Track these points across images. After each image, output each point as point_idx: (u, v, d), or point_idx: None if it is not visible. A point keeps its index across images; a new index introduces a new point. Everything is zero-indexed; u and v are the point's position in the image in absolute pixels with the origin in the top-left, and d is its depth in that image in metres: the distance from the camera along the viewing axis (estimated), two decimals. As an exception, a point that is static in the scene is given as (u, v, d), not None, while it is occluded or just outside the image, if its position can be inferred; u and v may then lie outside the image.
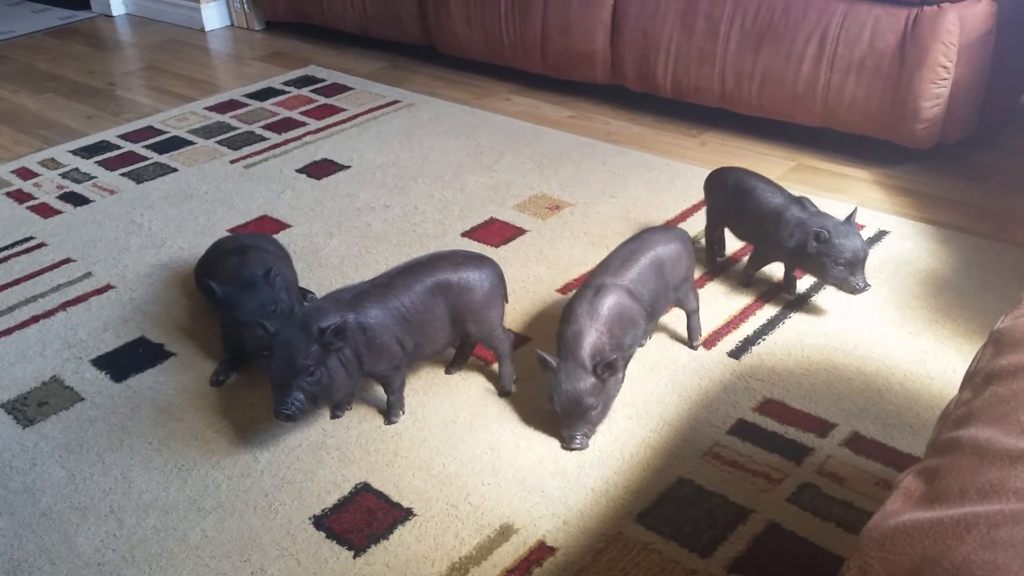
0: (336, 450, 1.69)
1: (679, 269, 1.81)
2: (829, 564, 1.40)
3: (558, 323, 1.68)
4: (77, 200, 2.67)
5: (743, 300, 2.05)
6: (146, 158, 2.92)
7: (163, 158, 2.91)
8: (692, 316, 1.89)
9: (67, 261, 2.35)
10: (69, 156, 2.96)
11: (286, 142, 2.97)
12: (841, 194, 2.47)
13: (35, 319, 2.12)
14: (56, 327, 2.09)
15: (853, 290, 1.89)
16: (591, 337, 1.61)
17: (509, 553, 1.45)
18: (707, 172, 2.21)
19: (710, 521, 1.48)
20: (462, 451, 1.66)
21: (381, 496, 1.58)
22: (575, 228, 2.37)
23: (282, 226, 2.46)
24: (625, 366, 1.74)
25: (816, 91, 2.58)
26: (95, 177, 2.80)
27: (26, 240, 2.47)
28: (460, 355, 1.87)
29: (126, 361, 1.96)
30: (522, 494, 1.56)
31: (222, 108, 3.28)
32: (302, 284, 2.13)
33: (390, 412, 1.75)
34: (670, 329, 1.95)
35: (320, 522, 1.53)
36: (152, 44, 4.10)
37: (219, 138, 3.03)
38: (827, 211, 1.98)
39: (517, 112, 3.11)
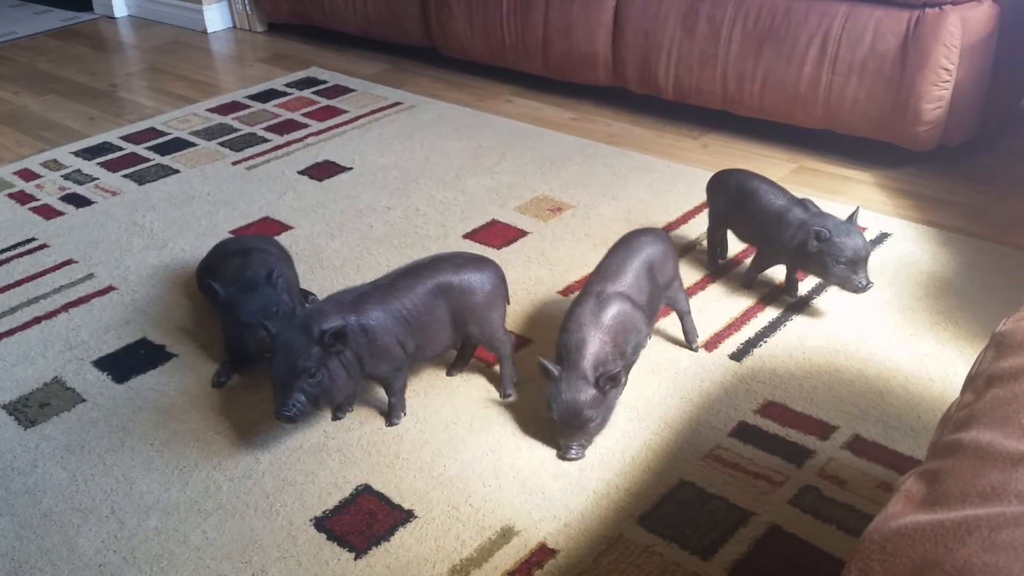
0: (337, 452, 1.69)
1: (668, 269, 1.80)
2: (830, 567, 1.39)
3: (558, 331, 1.67)
4: (79, 201, 2.67)
5: (744, 302, 2.05)
6: (148, 160, 2.92)
7: (165, 160, 2.91)
8: (685, 318, 1.88)
9: (69, 262, 2.35)
10: (71, 157, 2.97)
11: (288, 144, 2.98)
12: (842, 196, 2.47)
13: (37, 320, 2.12)
14: (58, 328, 2.09)
15: (856, 288, 1.88)
16: (594, 347, 1.60)
17: (510, 555, 1.45)
18: (709, 174, 2.21)
19: (711, 523, 1.48)
20: (463, 453, 1.66)
21: (382, 498, 1.58)
22: (576, 230, 2.37)
23: (284, 228, 2.46)
24: (628, 371, 1.74)
25: (818, 93, 2.58)
26: (97, 178, 2.81)
27: (28, 241, 2.47)
28: (461, 357, 1.87)
29: (128, 362, 1.96)
30: (523, 496, 1.56)
31: (224, 110, 3.28)
32: (303, 286, 2.14)
33: (391, 414, 1.75)
34: (670, 331, 1.95)
35: (321, 524, 1.53)
36: (154, 46, 4.11)
37: (221, 140, 3.03)
38: (829, 213, 1.97)
39: (519, 114, 3.11)
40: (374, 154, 2.86)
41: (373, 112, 3.18)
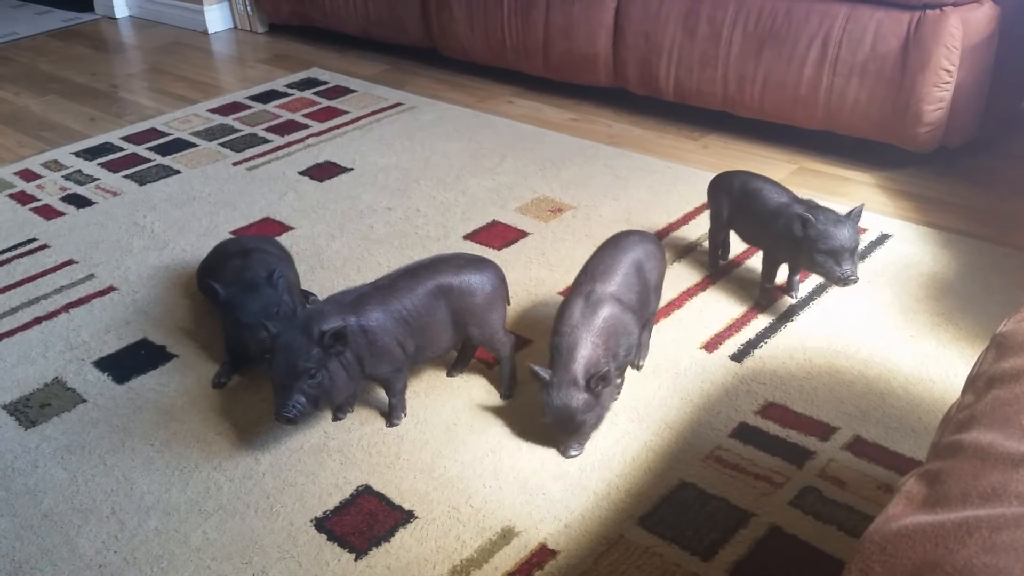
0: (338, 452, 1.69)
1: (656, 270, 1.80)
2: (831, 568, 1.39)
3: (550, 333, 1.66)
4: (80, 202, 2.67)
5: (745, 304, 2.05)
6: (149, 160, 2.92)
7: (166, 160, 2.91)
8: (642, 330, 1.81)
9: (70, 263, 2.36)
10: (72, 158, 2.97)
11: (288, 144, 2.98)
12: (843, 197, 2.47)
13: (37, 321, 2.12)
14: (58, 329, 2.09)
15: (838, 280, 1.84)
16: (586, 350, 1.59)
17: (510, 556, 1.45)
18: (710, 175, 2.21)
19: (711, 524, 1.48)
20: (463, 454, 1.67)
21: (382, 498, 1.58)
22: (577, 231, 2.37)
23: (284, 228, 2.46)
24: (622, 372, 1.74)
25: (818, 94, 2.58)
26: (98, 179, 2.81)
27: (29, 242, 2.47)
28: (462, 358, 1.87)
29: (128, 363, 1.96)
30: (523, 497, 1.56)
31: (225, 110, 3.28)
32: (304, 286, 2.14)
33: (392, 415, 1.75)
34: (670, 332, 1.95)
35: (321, 524, 1.53)
36: (155, 46, 4.11)
37: (222, 140, 3.04)
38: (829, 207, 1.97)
39: (519, 115, 3.12)
40: (375, 155, 2.86)
41: (374, 113, 3.18)
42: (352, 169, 2.78)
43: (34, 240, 2.48)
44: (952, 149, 2.56)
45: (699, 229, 2.33)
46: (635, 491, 1.56)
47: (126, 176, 2.82)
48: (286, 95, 3.38)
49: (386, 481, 1.61)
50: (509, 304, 1.81)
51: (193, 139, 3.06)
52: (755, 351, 1.89)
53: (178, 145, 3.02)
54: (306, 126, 3.10)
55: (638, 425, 1.71)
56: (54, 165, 2.92)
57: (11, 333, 2.08)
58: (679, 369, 1.85)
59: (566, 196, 2.55)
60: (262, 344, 1.73)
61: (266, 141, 3.01)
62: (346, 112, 3.20)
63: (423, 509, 1.55)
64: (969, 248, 2.21)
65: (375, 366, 1.67)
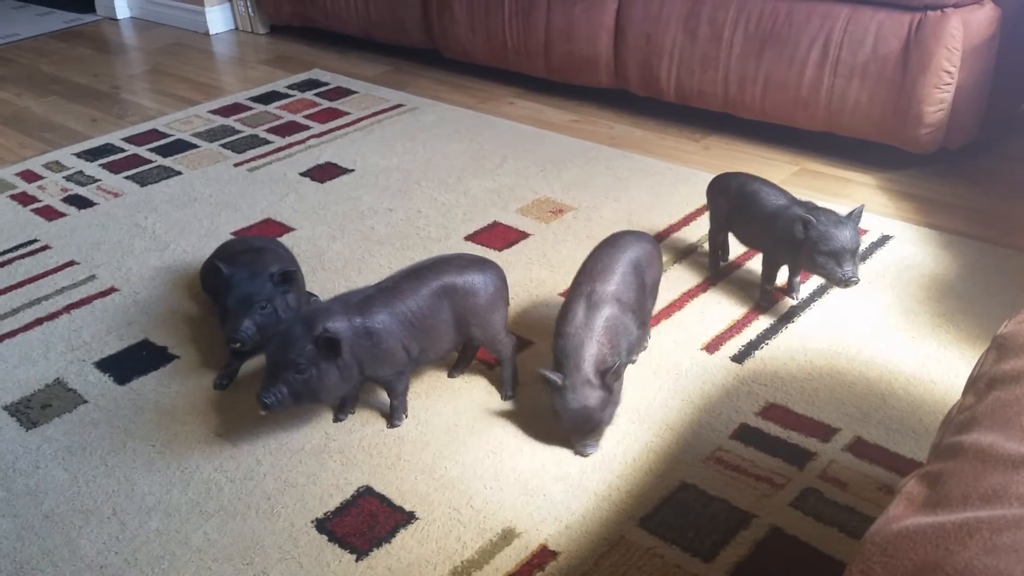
0: (339, 453, 1.69)
1: (653, 269, 1.80)
2: (831, 569, 1.39)
3: (553, 336, 1.66)
4: (81, 203, 2.67)
5: (746, 305, 2.05)
6: (150, 161, 2.92)
7: (167, 161, 2.92)
8: (643, 325, 1.82)
9: (71, 264, 2.36)
10: (73, 159, 2.97)
11: (290, 145, 2.98)
12: (844, 199, 2.47)
13: (39, 321, 2.12)
14: (60, 330, 2.09)
15: (839, 281, 1.85)
16: (592, 348, 1.59)
17: (511, 557, 1.45)
18: (710, 176, 2.21)
19: (712, 526, 1.48)
20: (464, 455, 1.67)
21: (383, 499, 1.58)
22: (578, 232, 2.37)
23: (285, 229, 2.46)
24: (623, 372, 1.74)
25: (819, 96, 2.58)
26: (99, 180, 2.81)
27: (30, 243, 2.47)
28: (463, 359, 1.87)
29: (129, 364, 1.97)
30: (524, 498, 1.56)
31: (226, 111, 3.28)
32: (306, 287, 2.13)
33: (393, 416, 1.75)
34: (671, 333, 1.95)
35: (322, 525, 1.53)
36: (156, 47, 4.11)
37: (223, 141, 3.04)
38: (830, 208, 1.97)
39: (520, 116, 3.12)
40: (376, 156, 2.86)
41: (375, 114, 3.18)
42: (353, 170, 2.78)
43: (35, 241, 2.48)
44: (953, 150, 2.56)
45: (700, 230, 2.33)
46: (636, 492, 1.56)
47: (127, 177, 2.82)
48: (287, 96, 3.39)
49: (387, 482, 1.61)
50: (508, 305, 1.81)
51: (194, 140, 3.06)
52: (756, 352, 1.89)
53: (179, 146, 3.02)
54: (307, 127, 3.11)
55: (639, 426, 1.71)
56: (55, 166, 2.93)
57: (12, 334, 2.08)
58: (680, 370, 1.85)
59: (567, 197, 2.55)
60: (236, 332, 1.76)
61: (267, 142, 3.01)
62: (347, 113, 3.20)
63: (424, 510, 1.55)
64: (970, 249, 2.21)
65: (377, 368, 1.67)
